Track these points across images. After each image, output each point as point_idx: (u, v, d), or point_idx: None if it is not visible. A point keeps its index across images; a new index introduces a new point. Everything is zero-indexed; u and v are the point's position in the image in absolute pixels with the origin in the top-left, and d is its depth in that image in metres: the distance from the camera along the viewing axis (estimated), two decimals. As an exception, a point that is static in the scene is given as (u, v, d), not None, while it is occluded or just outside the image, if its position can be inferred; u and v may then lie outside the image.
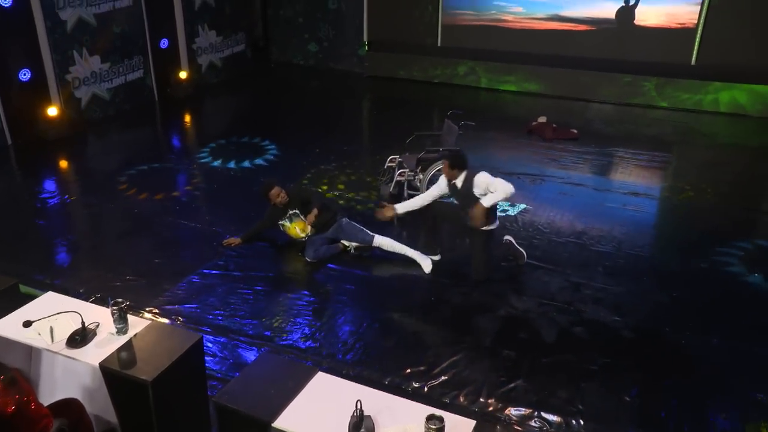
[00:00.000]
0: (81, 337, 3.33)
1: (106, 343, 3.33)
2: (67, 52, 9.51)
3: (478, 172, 5.35)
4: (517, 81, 12.29)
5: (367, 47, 13.64)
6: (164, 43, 11.39)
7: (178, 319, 5.17)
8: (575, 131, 9.75)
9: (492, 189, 5.24)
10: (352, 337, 4.94)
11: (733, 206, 7.34)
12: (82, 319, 3.35)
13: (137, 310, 5.13)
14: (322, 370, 3.21)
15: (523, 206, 7.24)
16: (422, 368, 4.59)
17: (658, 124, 10.56)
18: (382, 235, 6.04)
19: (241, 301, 5.42)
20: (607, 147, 9.31)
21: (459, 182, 5.43)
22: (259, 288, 5.61)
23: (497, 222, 5.64)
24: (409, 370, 4.57)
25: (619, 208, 7.28)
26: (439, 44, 12.83)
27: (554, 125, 9.89)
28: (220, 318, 5.20)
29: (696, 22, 10.80)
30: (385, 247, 5.97)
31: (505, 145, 9.53)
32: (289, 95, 12.40)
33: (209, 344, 4.84)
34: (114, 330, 3.40)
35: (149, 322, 3.62)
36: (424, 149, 7.02)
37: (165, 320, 5.13)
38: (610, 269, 5.92)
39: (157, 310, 5.27)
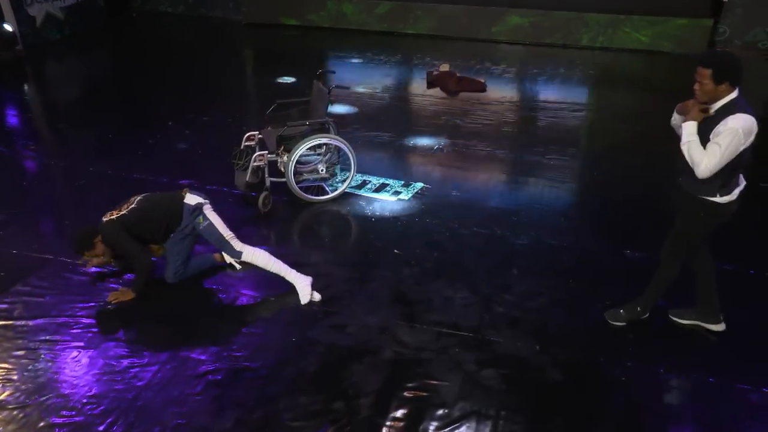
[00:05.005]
0: None
1: None
2: None
3: (744, 112, 3.28)
4: (414, 20, 10.69)
5: (243, -12, 11.68)
6: (-28, -10, 9.05)
7: None
8: (482, 81, 8.35)
9: (708, 145, 3.31)
10: (171, 417, 3.42)
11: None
12: None
13: None
14: None
15: (419, 185, 5.82)
16: (270, 466, 3.16)
17: (575, 66, 9.32)
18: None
19: (19, 369, 3.75)
20: (520, 99, 8.01)
21: (714, 108, 3.37)
22: (45, 345, 3.92)
23: (734, 193, 3.51)
24: (248, 474, 3.12)
25: (537, 181, 5.97)
26: (325, -20, 11.03)
27: (458, 74, 8.46)
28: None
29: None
30: (258, 264, 4.38)
31: (401, 105, 8.01)
32: (152, 53, 10.34)
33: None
34: None
35: None
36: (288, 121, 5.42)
37: None
38: (528, 270, 4.61)
39: None
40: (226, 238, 4.28)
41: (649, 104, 7.86)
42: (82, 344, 3.91)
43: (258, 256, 4.33)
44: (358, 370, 3.71)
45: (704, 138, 3.37)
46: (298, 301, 4.27)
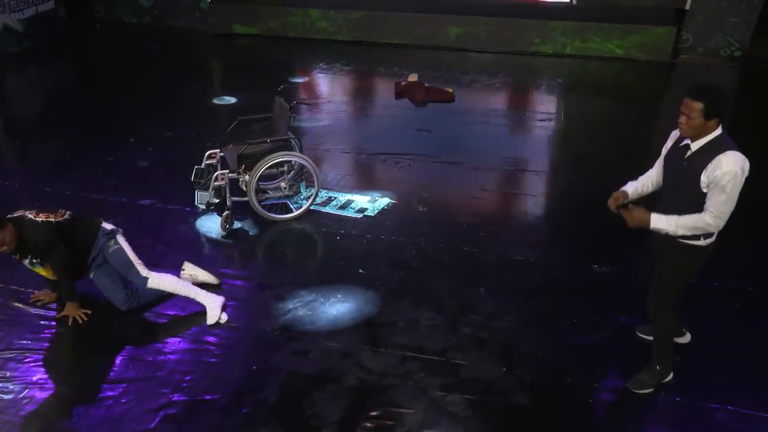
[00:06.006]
0: None
1: None
2: None
3: (732, 149, 3.07)
4: (383, 31, 10.62)
5: (209, -1, 11.50)
6: (-76, 3, 8.76)
7: None
8: (450, 90, 8.30)
9: (710, 196, 3.09)
10: (126, 456, 3.28)
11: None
12: None
13: None
14: None
15: (386, 201, 5.73)
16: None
17: (544, 74, 9.33)
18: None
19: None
20: (490, 108, 7.97)
21: (698, 144, 3.15)
22: None
23: (715, 234, 3.28)
24: None
25: (505, 194, 5.92)
26: (294, -11, 10.92)
27: (426, 84, 8.40)
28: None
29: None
30: (167, 289, 4.29)
31: (367, 117, 7.90)
32: (116, 65, 10.07)
33: None
34: None
35: None
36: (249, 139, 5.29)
37: None
38: (495, 288, 4.54)
39: None
40: (133, 263, 4.22)
41: (616, 112, 7.87)
42: (31, 380, 3.74)
43: (165, 281, 4.26)
44: (320, 399, 3.60)
45: (690, 175, 3.13)
46: (261, 325, 4.16)
